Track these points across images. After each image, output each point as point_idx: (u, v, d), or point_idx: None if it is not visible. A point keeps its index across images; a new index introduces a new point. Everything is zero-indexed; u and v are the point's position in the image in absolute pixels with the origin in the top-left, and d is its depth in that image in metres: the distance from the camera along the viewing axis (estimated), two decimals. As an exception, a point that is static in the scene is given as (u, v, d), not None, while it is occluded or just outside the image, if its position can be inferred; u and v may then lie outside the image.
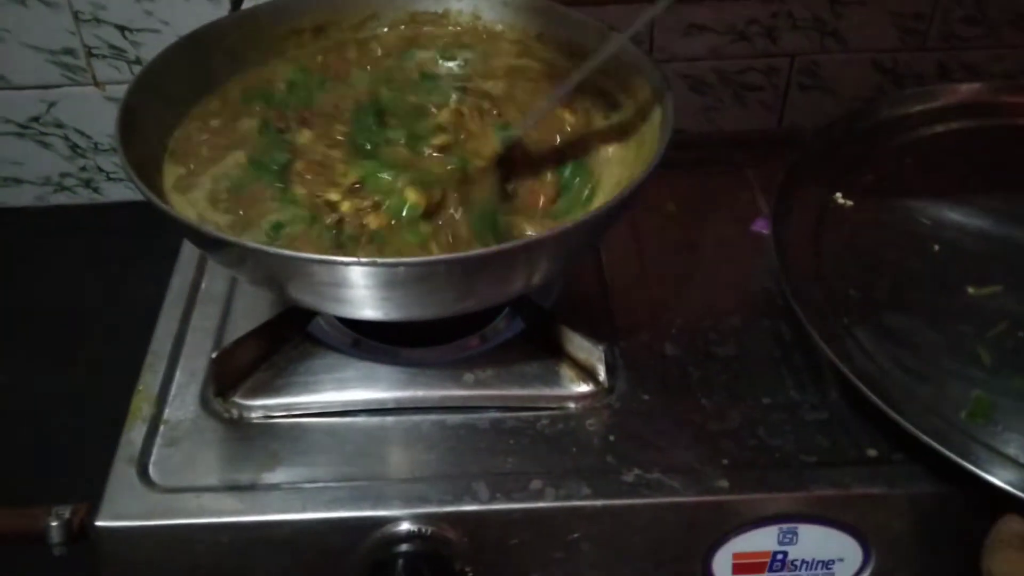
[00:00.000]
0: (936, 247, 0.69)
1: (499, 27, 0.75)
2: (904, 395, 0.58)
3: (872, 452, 0.59)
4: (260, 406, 0.62)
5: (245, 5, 0.81)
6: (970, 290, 0.65)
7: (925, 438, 0.55)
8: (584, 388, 0.63)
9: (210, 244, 0.55)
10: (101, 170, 0.95)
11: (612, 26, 0.70)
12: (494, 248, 0.53)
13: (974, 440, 0.56)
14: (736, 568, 0.59)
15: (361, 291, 0.53)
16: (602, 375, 0.62)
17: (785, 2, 0.89)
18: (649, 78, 0.66)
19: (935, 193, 0.73)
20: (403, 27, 0.76)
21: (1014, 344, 0.61)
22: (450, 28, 0.76)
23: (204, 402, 0.62)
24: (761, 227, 0.76)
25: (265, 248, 0.52)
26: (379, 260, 0.51)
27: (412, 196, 0.59)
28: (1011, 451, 0.55)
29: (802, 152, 0.74)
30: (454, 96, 0.69)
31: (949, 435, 0.56)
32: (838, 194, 0.73)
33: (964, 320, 0.63)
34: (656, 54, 0.90)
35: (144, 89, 0.63)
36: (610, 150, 0.66)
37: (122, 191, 0.97)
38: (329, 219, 0.59)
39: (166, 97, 0.66)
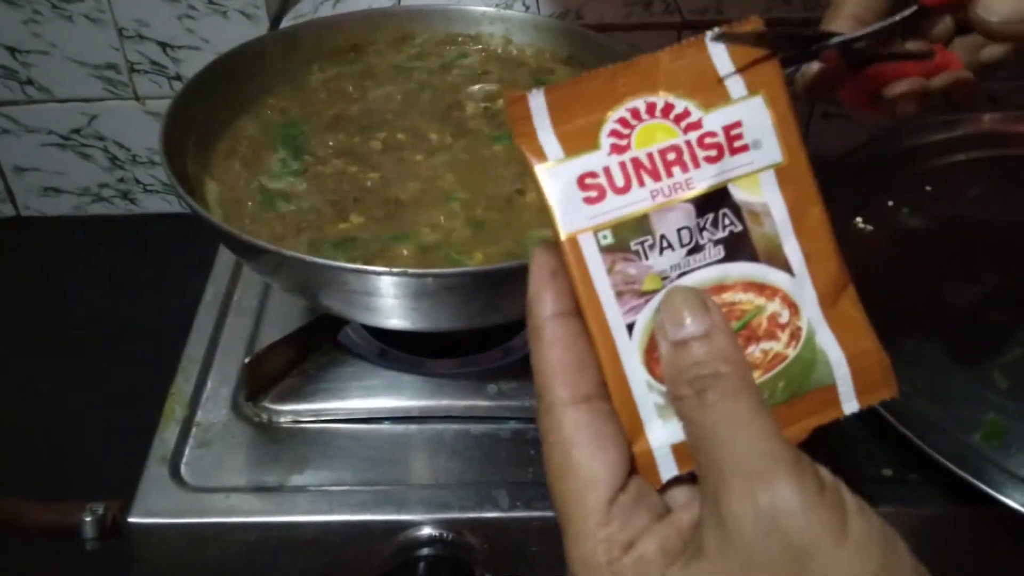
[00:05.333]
0: (954, 272, 0.69)
1: (528, 50, 0.77)
2: (920, 417, 0.59)
3: (887, 472, 0.60)
4: (289, 411, 0.64)
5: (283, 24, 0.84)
6: (988, 315, 0.66)
7: (940, 459, 0.56)
8: (604, 402, 0.64)
9: (249, 252, 0.57)
10: (138, 182, 0.98)
11: (638, 49, 0.72)
12: (522, 261, 0.55)
13: (988, 462, 0.56)
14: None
15: (390, 300, 0.55)
16: (622, 389, 0.63)
17: (809, 31, 0.91)
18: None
19: (954, 219, 0.74)
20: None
21: (1030, 369, 0.62)
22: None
23: (235, 406, 0.64)
24: (782, 250, 0.77)
25: (300, 256, 0.54)
26: (409, 270, 0.53)
27: None
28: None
29: (823, 178, 0.75)
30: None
31: (964, 456, 0.56)
32: (858, 219, 0.74)
33: (981, 344, 0.64)
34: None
35: (185, 105, 0.66)
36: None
37: (158, 203, 0.99)
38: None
39: (206, 112, 0.68)
